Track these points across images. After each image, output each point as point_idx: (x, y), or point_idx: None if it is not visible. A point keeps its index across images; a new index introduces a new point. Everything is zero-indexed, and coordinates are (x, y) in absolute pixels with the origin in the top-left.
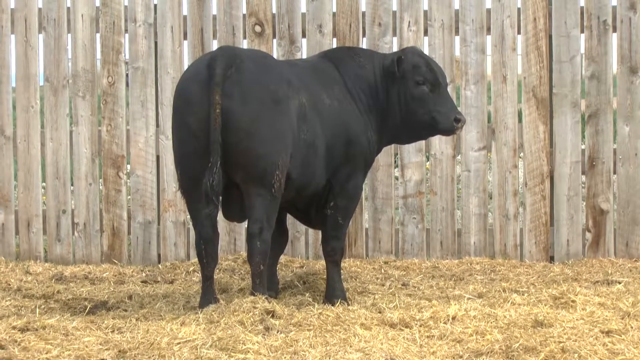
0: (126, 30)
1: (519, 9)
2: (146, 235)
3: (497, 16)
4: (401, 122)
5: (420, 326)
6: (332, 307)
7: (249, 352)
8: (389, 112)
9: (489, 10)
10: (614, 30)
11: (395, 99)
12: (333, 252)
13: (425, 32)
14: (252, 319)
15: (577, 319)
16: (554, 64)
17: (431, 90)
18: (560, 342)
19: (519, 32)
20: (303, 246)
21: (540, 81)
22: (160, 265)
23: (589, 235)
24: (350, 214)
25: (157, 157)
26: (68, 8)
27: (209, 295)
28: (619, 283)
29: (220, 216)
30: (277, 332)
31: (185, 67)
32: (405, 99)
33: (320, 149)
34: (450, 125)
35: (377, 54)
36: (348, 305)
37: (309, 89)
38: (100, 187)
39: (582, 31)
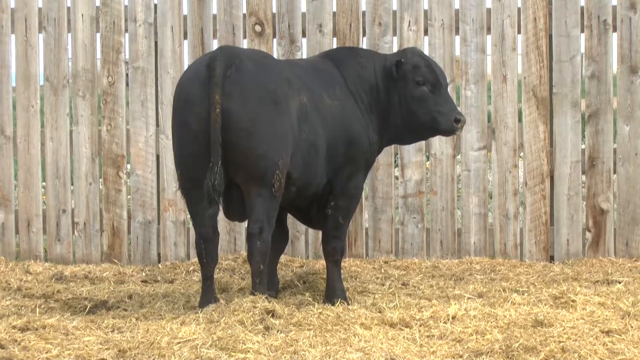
0: (126, 30)
1: (519, 9)
2: (146, 235)
3: (497, 16)
4: (402, 122)
5: (420, 326)
6: (332, 306)
7: (249, 351)
8: (390, 112)
9: (489, 10)
10: (614, 29)
11: (396, 99)
12: (333, 251)
13: (426, 32)
14: (252, 319)
15: (577, 319)
16: (554, 64)
17: (431, 91)
18: (560, 341)
19: (519, 32)
20: (303, 246)
21: (541, 81)
22: (160, 265)
23: (589, 235)
24: (351, 214)
25: (157, 157)
26: (68, 8)
27: (209, 294)
28: (619, 283)
29: (220, 215)
30: (277, 331)
31: (186, 66)
32: (405, 100)
33: (321, 149)
34: (450, 125)
35: (378, 55)
36: (348, 304)
37: (310, 89)
38: (100, 187)
39: (582, 31)
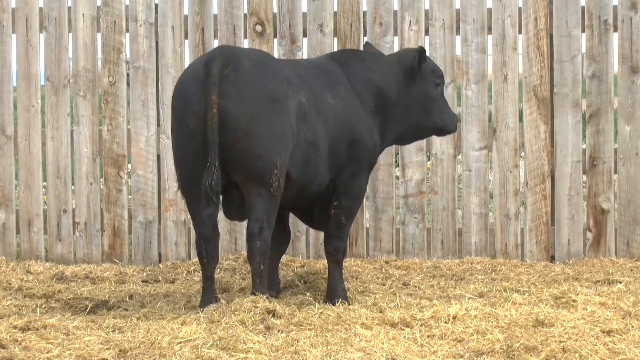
0: (127, 30)
1: (520, 9)
2: (147, 235)
3: (498, 15)
4: (417, 122)
5: (421, 326)
6: (333, 306)
7: (249, 351)
8: (405, 113)
9: (490, 10)
10: (615, 29)
11: (413, 99)
12: (335, 251)
13: (426, 32)
14: (253, 319)
15: (578, 319)
16: (555, 64)
17: (441, 92)
18: (561, 341)
19: (520, 32)
20: (304, 246)
21: (541, 81)
22: (161, 265)
23: (589, 235)
24: (354, 214)
25: (158, 157)
26: (69, 7)
27: (209, 294)
28: (620, 283)
29: (221, 215)
30: (278, 331)
31: (186, 66)
32: (423, 100)
33: (322, 149)
34: (454, 126)
35: (388, 58)
36: (349, 304)
37: (311, 89)
38: (101, 187)
39: (583, 31)
